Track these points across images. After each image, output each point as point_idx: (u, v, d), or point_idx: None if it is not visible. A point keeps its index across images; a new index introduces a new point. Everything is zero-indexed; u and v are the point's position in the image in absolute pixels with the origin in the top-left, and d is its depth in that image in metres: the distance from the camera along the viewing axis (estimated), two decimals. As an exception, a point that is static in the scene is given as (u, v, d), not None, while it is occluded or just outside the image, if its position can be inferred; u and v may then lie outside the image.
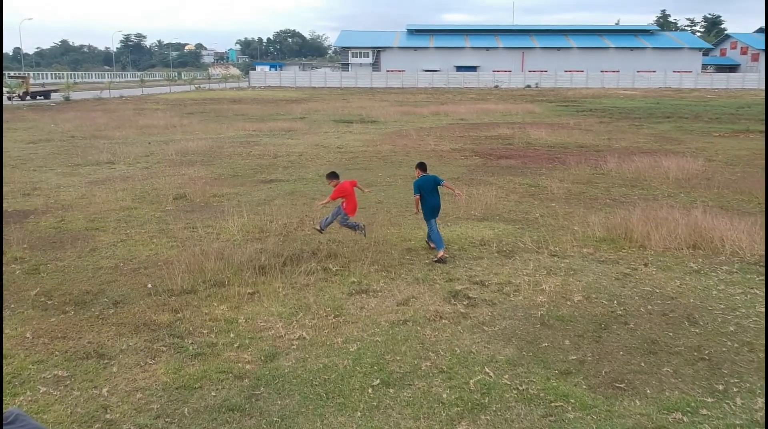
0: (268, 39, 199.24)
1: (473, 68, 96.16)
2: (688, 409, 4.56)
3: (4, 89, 44.38)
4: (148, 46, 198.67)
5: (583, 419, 4.41)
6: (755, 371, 5.13)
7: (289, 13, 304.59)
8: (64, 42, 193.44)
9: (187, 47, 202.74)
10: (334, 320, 6.11)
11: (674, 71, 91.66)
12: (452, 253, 8.39)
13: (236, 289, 6.84)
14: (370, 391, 4.77)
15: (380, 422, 4.38)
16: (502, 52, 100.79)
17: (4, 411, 2.21)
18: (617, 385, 4.89)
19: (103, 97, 51.29)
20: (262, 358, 5.33)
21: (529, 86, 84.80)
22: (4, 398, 4.55)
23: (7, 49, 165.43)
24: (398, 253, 8.31)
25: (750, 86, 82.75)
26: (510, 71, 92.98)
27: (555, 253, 8.48)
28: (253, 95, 58.31)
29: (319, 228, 8.92)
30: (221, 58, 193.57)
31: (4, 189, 12.55)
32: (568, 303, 6.54)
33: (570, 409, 4.54)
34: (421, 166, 8.70)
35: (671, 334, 5.82)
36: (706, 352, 5.48)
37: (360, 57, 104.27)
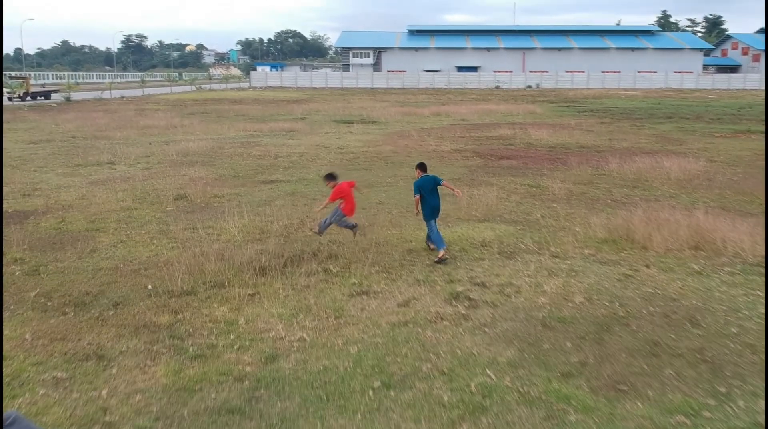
0: (269, 39, 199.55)
1: (474, 69, 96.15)
2: (691, 411, 4.53)
3: (5, 90, 44.40)
4: (149, 47, 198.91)
5: (584, 422, 4.39)
6: (758, 373, 5.10)
7: (289, 13, 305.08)
8: (65, 42, 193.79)
9: (188, 48, 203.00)
10: (334, 322, 6.09)
11: (675, 72, 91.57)
12: (453, 254, 8.37)
13: (236, 290, 6.82)
14: (370, 393, 4.75)
15: (381, 424, 4.35)
16: (503, 52, 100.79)
17: (3, 413, 2.19)
18: (619, 387, 4.87)
19: (104, 98, 51.32)
20: (263, 359, 5.31)
21: (530, 87, 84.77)
22: (3, 400, 4.52)
23: (9, 49, 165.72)
24: (399, 254, 8.29)
25: (751, 87, 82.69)
26: (511, 72, 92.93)
27: (556, 254, 8.46)
28: (254, 96, 58.32)
29: (317, 231, 8.88)
30: (222, 59, 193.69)
31: (5, 189, 12.54)
32: (570, 304, 6.52)
33: (572, 411, 4.51)
34: (421, 167, 8.68)
35: (673, 336, 5.79)
36: (709, 354, 5.45)
37: (361, 57, 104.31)
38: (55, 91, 51.04)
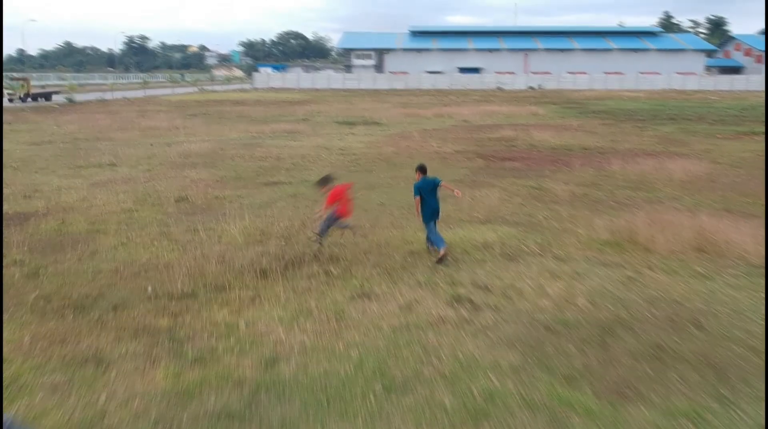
0: (272, 41, 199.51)
1: (476, 70, 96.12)
2: (695, 415, 4.48)
3: (5, 91, 44.40)
4: (152, 48, 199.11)
5: (588, 426, 4.34)
6: (762, 377, 5.04)
7: (289, 13, 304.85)
8: (68, 44, 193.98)
9: (190, 49, 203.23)
10: (335, 325, 6.04)
11: (678, 73, 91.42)
12: (455, 256, 8.33)
13: (237, 292, 6.79)
14: (371, 397, 4.71)
15: (382, 429, 4.31)
16: (505, 53, 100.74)
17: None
18: (623, 391, 4.81)
19: (106, 99, 51.36)
20: (263, 363, 5.26)
21: (532, 88, 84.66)
22: (2, 403, 4.48)
23: (11, 50, 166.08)
24: (401, 257, 8.25)
25: (754, 88, 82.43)
26: (513, 73, 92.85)
27: (559, 256, 8.41)
28: (256, 97, 58.33)
29: (316, 239, 8.67)
30: (224, 60, 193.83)
31: (5, 191, 12.52)
32: (573, 308, 6.46)
33: (575, 416, 4.46)
34: (421, 169, 8.65)
35: (677, 340, 5.74)
36: (713, 357, 5.40)
37: (363, 59, 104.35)
38: (56, 93, 51.06)
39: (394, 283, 7.17)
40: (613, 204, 12.08)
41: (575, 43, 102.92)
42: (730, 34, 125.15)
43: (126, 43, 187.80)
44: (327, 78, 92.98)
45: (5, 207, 11.26)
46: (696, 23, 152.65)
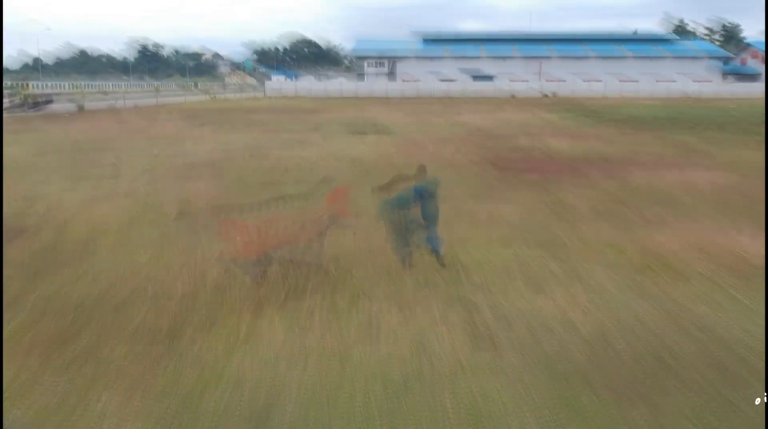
0: (285, 48, 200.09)
1: (490, 77, 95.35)
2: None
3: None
4: (166, 56, 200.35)
5: None
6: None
7: (302, 21, 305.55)
8: (83, 52, 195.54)
9: (203, 57, 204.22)
10: (339, 370, 5.31)
11: (694, 80, 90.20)
12: (473, 283, 7.59)
13: (229, 329, 6.07)
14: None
15: None
16: (519, 60, 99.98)
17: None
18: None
19: (117, 107, 51.13)
20: (254, 417, 4.55)
21: (545, 95, 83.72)
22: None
23: (28, 59, 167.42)
24: (413, 284, 7.50)
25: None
26: (527, 80, 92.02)
27: (588, 284, 7.63)
28: (268, 105, 57.96)
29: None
30: (237, 68, 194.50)
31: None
32: (611, 351, 5.68)
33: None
34: (420, 171, 8.12)
35: (736, 396, 4.95)
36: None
37: (375, 66, 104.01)
38: (50, 101, 48.46)
39: (406, 320, 6.40)
40: (641, 222, 11.27)
41: (590, 51, 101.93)
42: (745, 41, 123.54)
43: (140, 51, 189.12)
44: (339, 85, 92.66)
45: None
46: (711, 30, 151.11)
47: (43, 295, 7.19)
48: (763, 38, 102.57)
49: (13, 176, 15.95)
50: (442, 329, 6.14)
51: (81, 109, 45.82)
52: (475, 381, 5.14)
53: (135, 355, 5.63)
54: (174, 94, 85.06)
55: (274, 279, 7.53)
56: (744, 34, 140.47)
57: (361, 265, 8.16)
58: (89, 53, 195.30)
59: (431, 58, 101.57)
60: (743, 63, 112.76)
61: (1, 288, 6.78)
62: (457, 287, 7.42)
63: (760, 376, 5.26)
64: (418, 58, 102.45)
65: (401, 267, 7.98)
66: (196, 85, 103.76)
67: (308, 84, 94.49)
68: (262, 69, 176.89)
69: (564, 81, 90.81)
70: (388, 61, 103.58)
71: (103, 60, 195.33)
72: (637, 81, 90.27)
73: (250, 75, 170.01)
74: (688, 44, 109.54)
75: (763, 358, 5.54)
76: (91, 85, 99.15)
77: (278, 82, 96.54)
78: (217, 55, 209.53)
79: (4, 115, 37.07)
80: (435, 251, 8.15)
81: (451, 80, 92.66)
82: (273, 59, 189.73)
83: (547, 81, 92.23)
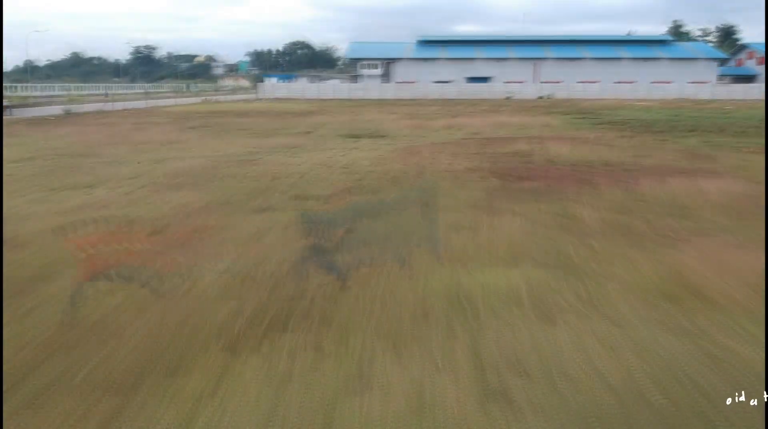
0: (278, 51, 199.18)
1: (485, 79, 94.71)
2: None
3: None
4: (158, 58, 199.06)
5: None
6: None
7: (296, 23, 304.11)
8: (75, 54, 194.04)
9: (196, 59, 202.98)
10: (322, 435, 4.39)
11: (690, 82, 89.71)
12: (478, 314, 6.67)
13: (195, 381, 5.11)
14: None
15: None
16: (515, 62, 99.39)
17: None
18: None
19: (105, 110, 50.07)
20: None
21: (541, 97, 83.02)
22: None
23: (19, 61, 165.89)
24: (410, 318, 6.56)
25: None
26: (523, 82, 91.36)
27: (607, 315, 6.70)
28: (261, 108, 56.95)
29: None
30: (232, 70, 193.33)
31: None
32: (646, 408, 4.76)
33: None
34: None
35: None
36: None
37: (370, 68, 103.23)
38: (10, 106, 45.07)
39: (401, 365, 5.43)
40: (654, 236, 10.37)
41: (586, 52, 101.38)
42: (741, 42, 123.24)
43: (132, 54, 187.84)
44: (332, 88, 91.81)
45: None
46: (705, 32, 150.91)
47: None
48: (761, 40, 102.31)
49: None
50: (446, 379, 5.19)
51: (68, 112, 44.76)
52: (486, 452, 4.23)
53: (82, 413, 4.66)
54: (165, 96, 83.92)
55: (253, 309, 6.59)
56: (742, 35, 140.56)
57: (350, 291, 7.24)
58: (81, 55, 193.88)
59: (426, 60, 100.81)
60: (740, 64, 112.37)
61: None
62: (460, 320, 6.50)
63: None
64: (413, 60, 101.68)
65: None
66: (188, 88, 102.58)
67: (301, 86, 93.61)
68: (257, 71, 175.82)
69: (560, 82, 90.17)
70: (383, 63, 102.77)
71: (95, 62, 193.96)
72: (633, 82, 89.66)
73: (244, 77, 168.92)
74: (684, 46, 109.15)
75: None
76: (82, 87, 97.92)
77: (270, 85, 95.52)
78: (210, 58, 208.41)
79: None
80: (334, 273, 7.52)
81: (446, 82, 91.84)
82: (268, 61, 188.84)
83: (543, 82, 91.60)
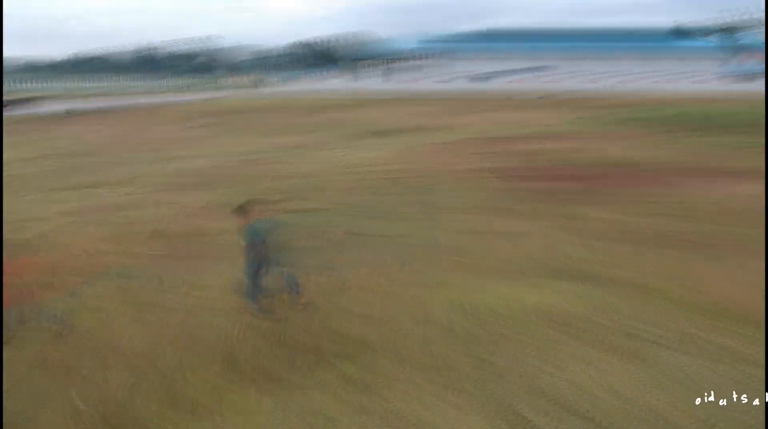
0: (282, 49, 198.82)
1: (489, 76, 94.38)
2: None
3: None
4: (162, 56, 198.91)
5: None
6: None
7: (300, 20, 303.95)
8: (79, 52, 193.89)
9: (201, 57, 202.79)
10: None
11: (694, 80, 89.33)
12: (507, 336, 6.13)
13: (192, 420, 4.72)
14: None
15: None
16: (517, 60, 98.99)
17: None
18: None
19: (111, 108, 49.85)
20: None
21: (541, 98, 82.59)
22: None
23: (20, 60, 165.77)
24: (422, 366, 5.80)
25: (777, 94, 79.91)
26: (526, 78, 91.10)
27: (657, 341, 6.06)
28: (264, 106, 56.73)
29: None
30: (235, 68, 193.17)
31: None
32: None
33: None
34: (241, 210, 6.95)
35: None
36: None
37: (372, 67, 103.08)
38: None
39: (437, 400, 4.95)
40: (685, 243, 9.59)
41: (590, 47, 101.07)
42: (744, 41, 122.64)
43: (137, 51, 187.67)
44: (335, 86, 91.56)
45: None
46: (708, 30, 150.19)
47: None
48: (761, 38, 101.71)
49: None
50: (480, 420, 4.75)
51: (69, 111, 44.54)
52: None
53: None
54: (171, 93, 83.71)
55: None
56: (743, 33, 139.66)
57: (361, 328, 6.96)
58: (84, 54, 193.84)
59: (429, 58, 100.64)
60: (743, 62, 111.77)
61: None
62: (483, 362, 5.78)
63: None
64: (416, 57, 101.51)
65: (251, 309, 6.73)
66: (191, 86, 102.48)
67: (305, 84, 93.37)
68: (261, 69, 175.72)
69: (563, 79, 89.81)
70: (385, 62, 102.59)
71: (97, 61, 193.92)
72: (637, 77, 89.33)
73: (248, 75, 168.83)
74: (689, 43, 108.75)
75: None
76: (85, 86, 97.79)
77: (275, 83, 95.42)
78: (214, 56, 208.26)
79: None
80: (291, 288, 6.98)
81: (447, 80, 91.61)
82: (271, 60, 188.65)
83: (544, 81, 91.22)
